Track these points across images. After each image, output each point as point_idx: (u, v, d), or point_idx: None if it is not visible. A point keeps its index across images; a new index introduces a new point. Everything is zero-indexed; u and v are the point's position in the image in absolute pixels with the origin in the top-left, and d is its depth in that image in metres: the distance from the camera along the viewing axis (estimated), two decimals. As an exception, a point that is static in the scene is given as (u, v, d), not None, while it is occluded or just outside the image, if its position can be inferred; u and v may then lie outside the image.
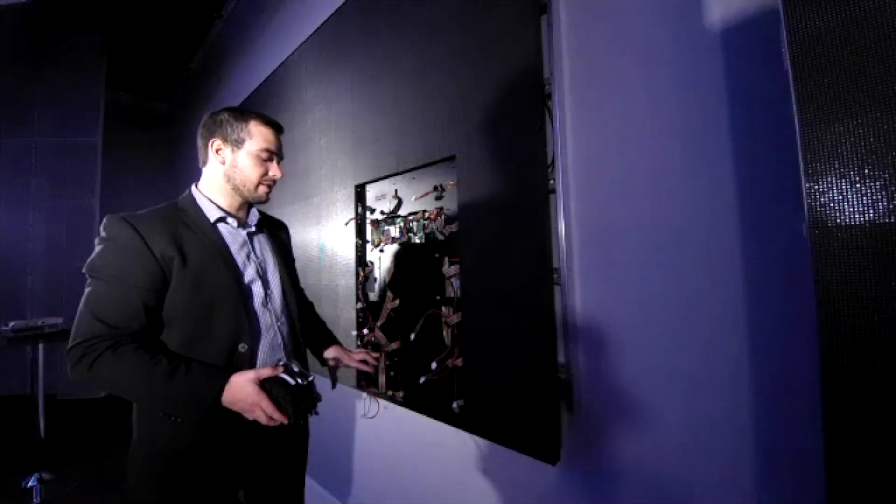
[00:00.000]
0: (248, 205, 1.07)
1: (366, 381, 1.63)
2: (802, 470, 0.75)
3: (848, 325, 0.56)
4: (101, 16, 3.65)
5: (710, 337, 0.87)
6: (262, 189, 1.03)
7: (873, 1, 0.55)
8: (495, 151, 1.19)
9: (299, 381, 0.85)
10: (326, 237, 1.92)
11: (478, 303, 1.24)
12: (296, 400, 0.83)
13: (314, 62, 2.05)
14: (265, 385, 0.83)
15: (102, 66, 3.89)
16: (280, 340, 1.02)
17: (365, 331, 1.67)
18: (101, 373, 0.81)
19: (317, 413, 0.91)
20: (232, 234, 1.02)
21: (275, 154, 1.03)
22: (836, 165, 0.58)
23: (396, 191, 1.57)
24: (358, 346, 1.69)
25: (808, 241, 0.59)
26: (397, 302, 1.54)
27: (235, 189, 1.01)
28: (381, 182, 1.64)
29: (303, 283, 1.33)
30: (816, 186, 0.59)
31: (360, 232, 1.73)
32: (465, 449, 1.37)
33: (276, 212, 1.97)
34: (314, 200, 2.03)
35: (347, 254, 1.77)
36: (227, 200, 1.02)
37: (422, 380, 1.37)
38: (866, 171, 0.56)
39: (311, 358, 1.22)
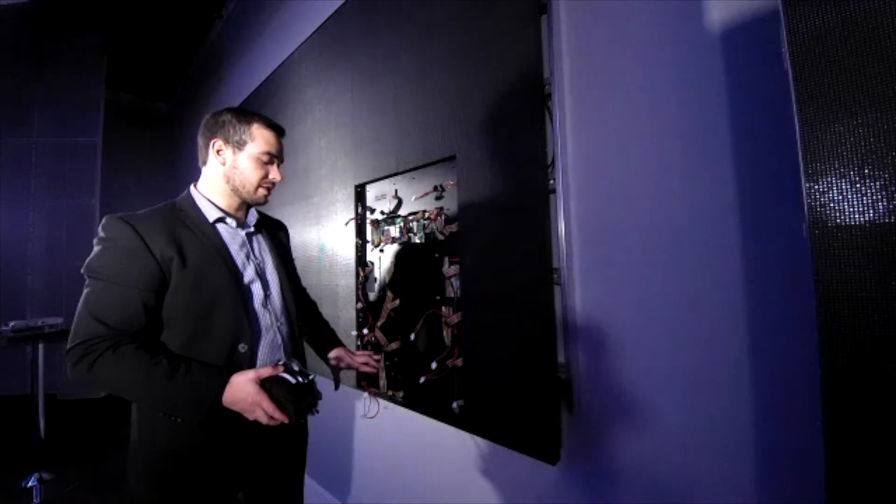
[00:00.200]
0: (246, 205, 1.07)
1: (366, 381, 1.64)
2: (802, 470, 0.75)
3: (848, 325, 0.56)
4: (101, 16, 3.65)
5: (710, 337, 0.87)
6: (262, 191, 1.03)
7: (873, 1, 0.55)
8: (495, 151, 1.19)
9: (300, 379, 0.85)
10: (326, 237, 1.92)
11: (478, 303, 1.24)
12: (296, 399, 0.83)
13: (314, 62, 2.05)
14: (265, 385, 0.83)
15: (102, 66, 3.89)
16: (280, 341, 1.02)
17: (365, 331, 1.67)
18: (101, 373, 0.81)
19: (317, 412, 0.91)
20: (231, 234, 1.02)
21: (276, 157, 1.03)
22: (836, 165, 0.58)
23: (396, 191, 1.57)
24: (358, 346, 1.69)
25: (808, 241, 0.59)
26: (397, 302, 1.54)
27: (234, 190, 1.01)
28: (381, 182, 1.64)
29: (303, 283, 1.33)
30: (816, 186, 0.59)
31: (360, 232, 1.73)
32: (465, 449, 1.37)
33: (275, 212, 1.98)
34: (314, 200, 2.03)
35: (347, 254, 1.77)
36: (226, 201, 1.02)
37: (422, 380, 1.37)
38: (866, 171, 0.56)
39: (315, 359, 1.22)
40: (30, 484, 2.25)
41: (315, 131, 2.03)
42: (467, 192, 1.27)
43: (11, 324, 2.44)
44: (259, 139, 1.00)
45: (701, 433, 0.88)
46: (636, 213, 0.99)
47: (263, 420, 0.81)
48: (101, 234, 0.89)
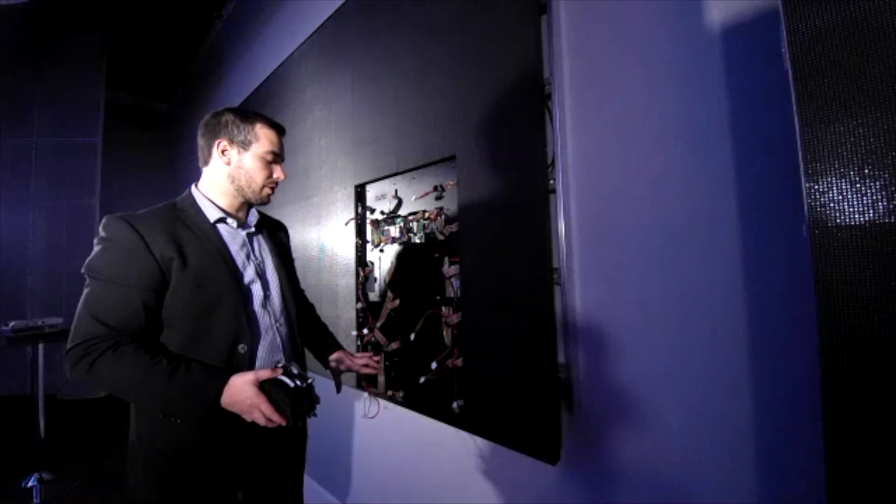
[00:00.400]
0: (247, 205, 1.07)
1: (366, 381, 1.63)
2: (802, 470, 0.75)
3: (848, 325, 0.56)
4: (101, 16, 3.65)
5: (711, 337, 0.87)
6: (266, 191, 1.04)
7: (873, 1, 0.55)
8: (495, 151, 1.19)
9: (298, 383, 0.85)
10: (326, 237, 1.92)
11: (478, 303, 1.24)
12: (295, 402, 0.83)
13: (314, 62, 2.05)
14: (264, 387, 0.83)
15: (102, 66, 3.89)
16: (279, 342, 1.02)
17: (365, 331, 1.67)
18: (101, 373, 0.81)
19: (315, 415, 0.91)
20: (231, 234, 1.02)
21: (279, 156, 1.03)
22: (836, 165, 0.58)
23: (396, 191, 1.57)
24: (358, 347, 1.69)
25: (808, 241, 0.59)
26: (397, 302, 1.54)
27: (239, 190, 1.01)
28: (381, 182, 1.64)
29: (303, 283, 1.33)
30: (816, 186, 0.59)
31: (360, 232, 1.73)
32: (465, 449, 1.37)
33: (276, 212, 1.98)
34: (314, 200, 2.03)
35: (347, 254, 1.77)
36: (228, 201, 1.02)
37: (422, 380, 1.37)
38: (866, 171, 0.56)
39: (315, 363, 1.22)
40: (30, 484, 2.25)
41: (315, 131, 2.03)
42: (467, 192, 1.27)
43: (11, 324, 2.44)
44: (263, 139, 1.00)
45: (701, 433, 0.88)
46: (636, 213, 0.99)
47: (261, 422, 0.81)
48: (102, 233, 0.89)
